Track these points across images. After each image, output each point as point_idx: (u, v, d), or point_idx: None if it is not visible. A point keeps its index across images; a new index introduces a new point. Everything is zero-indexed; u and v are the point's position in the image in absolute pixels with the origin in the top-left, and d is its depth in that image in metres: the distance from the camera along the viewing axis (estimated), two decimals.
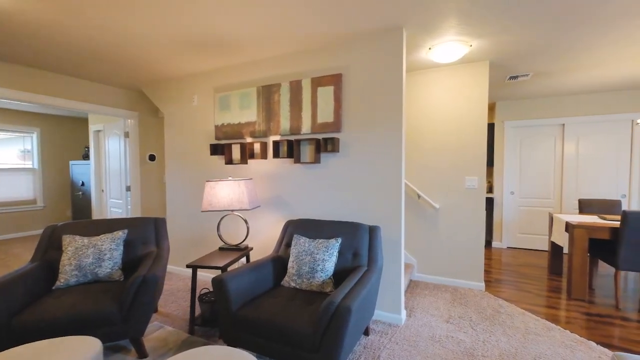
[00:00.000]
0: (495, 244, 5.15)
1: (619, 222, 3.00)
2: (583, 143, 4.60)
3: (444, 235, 3.41)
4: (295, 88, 2.82)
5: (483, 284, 3.27)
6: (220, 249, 2.72)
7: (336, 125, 2.66)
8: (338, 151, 2.68)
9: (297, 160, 2.79)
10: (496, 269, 3.99)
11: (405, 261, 3.60)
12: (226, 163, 3.11)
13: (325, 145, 2.69)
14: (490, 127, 5.20)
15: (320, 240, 2.28)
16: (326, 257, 2.16)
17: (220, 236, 2.74)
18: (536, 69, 3.44)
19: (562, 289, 3.34)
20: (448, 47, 2.72)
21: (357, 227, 2.38)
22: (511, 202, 5.05)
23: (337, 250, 2.22)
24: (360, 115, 2.61)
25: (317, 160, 2.74)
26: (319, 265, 2.14)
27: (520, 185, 4.99)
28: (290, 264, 2.26)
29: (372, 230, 2.38)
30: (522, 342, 2.31)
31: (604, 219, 3.26)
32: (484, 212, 3.23)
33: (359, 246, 2.30)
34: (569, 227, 3.20)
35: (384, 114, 2.52)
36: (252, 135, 3.05)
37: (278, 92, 2.91)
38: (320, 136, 2.76)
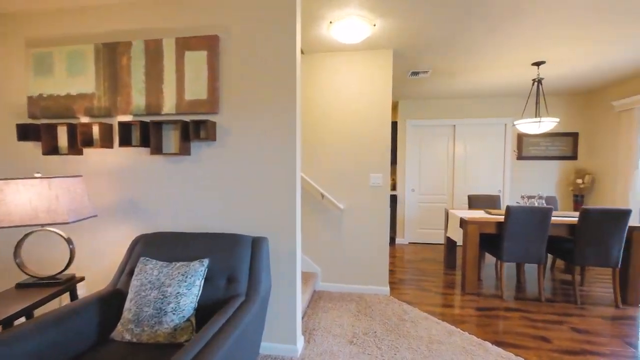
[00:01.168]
0: (398, 240, 5.23)
1: (502, 216, 3.17)
2: (469, 143, 4.99)
3: (349, 237, 3.09)
4: (154, 50, 2.03)
5: (388, 288, 3.06)
6: (19, 285, 1.74)
7: (211, 104, 1.98)
8: (214, 139, 2.01)
9: (157, 151, 2.01)
10: (400, 268, 3.93)
11: (309, 270, 3.15)
12: (45, 153, 2.08)
13: (196, 131, 1.99)
14: (394, 126, 5.25)
15: (178, 265, 1.58)
16: (182, 290, 1.48)
17: (20, 265, 1.75)
18: (435, 66, 3.42)
19: (456, 283, 3.41)
20: (350, 22, 2.34)
21: (235, 241, 1.77)
22: (412, 199, 5.19)
23: (201, 278, 1.56)
24: (244, 95, 2.00)
25: (185, 151, 2.01)
26: (170, 303, 1.45)
27: (420, 183, 5.17)
28: (127, 305, 1.50)
29: (256, 244, 1.80)
30: (426, 355, 2.08)
31: (489, 213, 3.44)
32: (389, 210, 3.02)
33: (236, 268, 1.68)
34: (462, 223, 3.26)
35: (275, 94, 1.97)
36: (89, 113, 2.11)
37: (128, 54, 2.06)
38: (189, 118, 2.04)
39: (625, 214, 2.76)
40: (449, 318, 2.63)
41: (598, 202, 4.38)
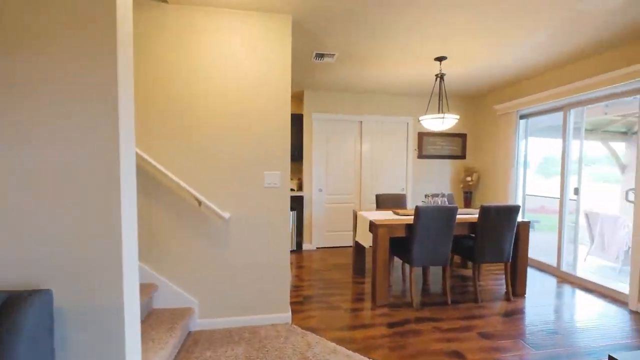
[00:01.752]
0: (306, 246, 4.73)
1: (412, 217, 2.94)
2: (376, 141, 4.85)
3: (238, 255, 2.36)
4: None
5: (289, 314, 2.45)
6: None
7: None
8: None
9: None
10: (306, 282, 3.38)
11: (179, 306, 2.28)
12: None
13: None
14: (300, 119, 4.73)
15: None
16: None
17: None
18: (341, 49, 2.98)
19: (366, 294, 3.05)
20: None
21: None
22: (320, 200, 4.77)
23: None
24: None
25: None
26: None
27: (328, 182, 4.78)
28: None
29: (11, 309, 0.91)
30: None
31: (397, 213, 3.21)
32: (289, 216, 2.42)
33: None
34: (372, 226, 2.91)
35: (68, 18, 1.10)
36: None
37: None
38: None
39: (516, 209, 2.82)
40: (360, 345, 2.17)
41: (484, 197, 4.76)
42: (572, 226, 3.59)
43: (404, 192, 4.89)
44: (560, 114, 3.56)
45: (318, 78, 3.97)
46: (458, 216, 3.04)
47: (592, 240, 4.41)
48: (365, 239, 3.14)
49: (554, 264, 3.65)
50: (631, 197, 2.81)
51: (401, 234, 2.84)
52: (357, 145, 4.83)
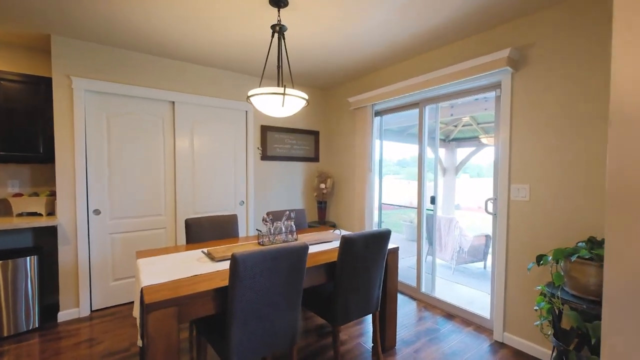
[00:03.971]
0: (66, 312, 2.63)
1: (227, 264, 1.56)
2: (200, 134, 3.27)
3: None
4: None
5: None
6: None
7: None
8: None
9: None
10: None
11: None
12: None
13: None
14: (44, 84, 2.58)
15: None
16: None
17: None
18: None
19: None
20: None
21: None
22: (98, 228, 2.77)
23: None
24: None
25: None
26: None
27: (113, 198, 2.84)
28: None
29: None
30: None
31: (213, 258, 1.79)
32: None
33: None
34: (143, 305, 1.35)
35: None
36: None
37: None
38: None
39: (387, 236, 1.92)
40: None
41: (339, 208, 4.00)
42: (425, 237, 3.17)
43: (235, 214, 3.52)
44: (415, 112, 3.06)
45: (74, 9, 2.04)
46: (314, 251, 1.91)
47: (431, 241, 4.40)
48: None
49: (413, 284, 3.13)
50: (491, 207, 2.42)
51: (209, 309, 1.42)
52: (167, 139, 3.10)
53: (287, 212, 2.05)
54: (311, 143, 4.13)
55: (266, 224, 2.00)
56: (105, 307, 2.84)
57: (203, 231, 2.36)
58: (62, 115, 2.58)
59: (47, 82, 2.59)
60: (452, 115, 3.61)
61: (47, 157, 2.63)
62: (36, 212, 2.69)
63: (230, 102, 3.40)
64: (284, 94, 1.70)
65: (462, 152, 5.81)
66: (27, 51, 2.75)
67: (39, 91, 2.57)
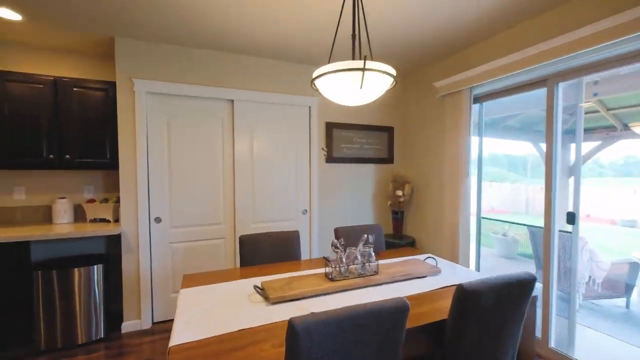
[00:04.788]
0: (129, 323, 2.53)
1: (286, 311, 1.08)
2: (259, 134, 2.94)
3: None
4: None
5: None
6: None
7: None
8: None
9: None
10: None
11: None
12: None
13: None
14: (107, 91, 2.51)
15: None
16: None
17: None
18: None
19: None
20: None
21: None
22: (159, 237, 2.63)
23: None
24: None
25: None
26: None
27: (173, 206, 2.67)
28: None
29: None
30: None
31: (266, 297, 1.34)
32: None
33: None
34: None
35: None
36: None
37: None
38: None
39: (529, 285, 1.23)
40: None
41: (419, 220, 3.30)
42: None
43: (297, 222, 3.09)
44: (540, 92, 2.21)
45: (138, 10, 1.85)
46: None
47: (540, 264, 3.37)
48: None
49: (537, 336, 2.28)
50: None
51: None
52: (227, 141, 2.83)
53: (365, 236, 1.50)
54: (384, 141, 3.50)
55: (337, 252, 1.48)
56: (165, 319, 2.70)
57: (260, 250, 1.97)
58: (125, 118, 2.48)
59: (113, 86, 2.51)
60: (595, 94, 2.58)
61: (113, 163, 2.56)
62: (105, 219, 2.66)
63: (291, 97, 3.00)
64: (363, 68, 1.15)
65: (582, 147, 4.47)
66: (88, 58, 2.74)
67: (108, 95, 2.52)
